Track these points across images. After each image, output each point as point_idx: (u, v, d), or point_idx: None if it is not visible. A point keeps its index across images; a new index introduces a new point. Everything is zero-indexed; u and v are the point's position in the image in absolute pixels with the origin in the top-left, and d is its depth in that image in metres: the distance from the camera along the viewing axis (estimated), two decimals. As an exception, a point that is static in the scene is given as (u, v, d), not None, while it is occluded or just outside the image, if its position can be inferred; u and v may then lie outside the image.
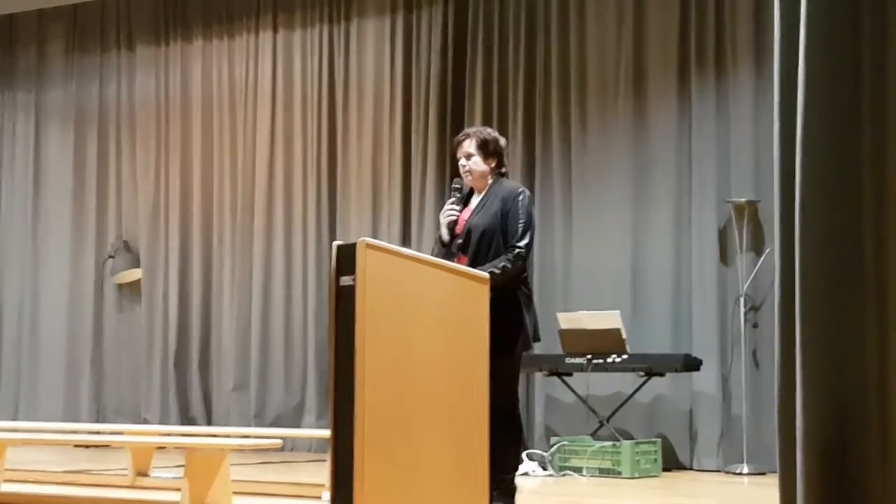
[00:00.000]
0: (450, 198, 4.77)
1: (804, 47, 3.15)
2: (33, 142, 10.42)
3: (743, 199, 7.38)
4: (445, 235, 4.67)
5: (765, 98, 7.30)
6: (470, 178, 4.75)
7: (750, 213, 7.42)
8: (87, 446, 8.67)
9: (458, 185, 4.77)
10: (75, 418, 9.64)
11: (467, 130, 4.82)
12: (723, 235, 7.59)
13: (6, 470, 5.49)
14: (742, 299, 7.35)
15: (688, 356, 7.32)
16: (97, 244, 9.99)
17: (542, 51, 8.25)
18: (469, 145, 4.71)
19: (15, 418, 9.88)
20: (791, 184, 3.17)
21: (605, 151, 8.00)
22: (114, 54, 10.12)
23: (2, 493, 5.27)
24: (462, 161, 4.74)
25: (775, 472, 3.18)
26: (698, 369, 7.33)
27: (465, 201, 4.78)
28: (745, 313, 7.35)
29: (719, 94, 7.68)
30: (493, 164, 4.73)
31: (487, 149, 4.71)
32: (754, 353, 7.40)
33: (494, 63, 8.41)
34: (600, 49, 8.07)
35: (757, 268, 7.37)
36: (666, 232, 7.75)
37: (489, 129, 4.85)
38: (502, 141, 4.80)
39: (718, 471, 7.27)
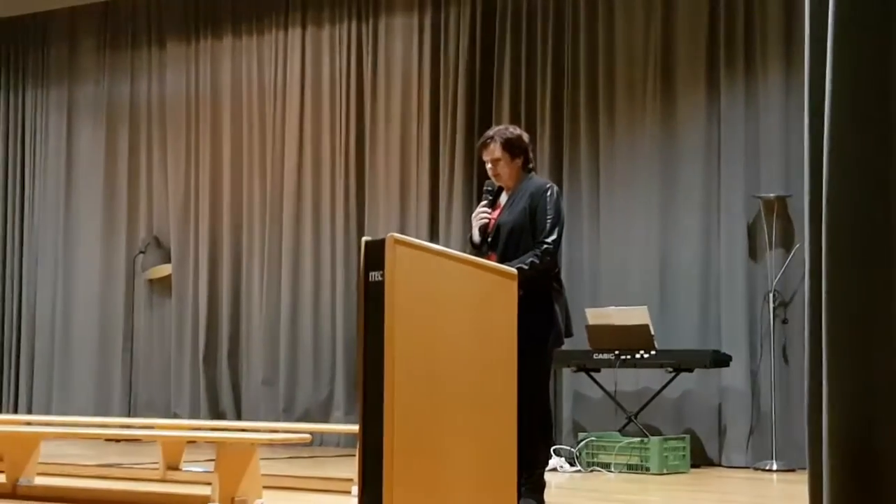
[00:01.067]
0: (482, 200, 4.76)
1: (833, 41, 3.14)
2: (65, 138, 10.52)
3: (772, 195, 7.35)
4: (477, 237, 4.67)
5: (795, 92, 7.26)
6: (499, 180, 4.74)
7: (779, 208, 7.38)
8: (118, 440, 8.74)
9: (489, 188, 4.76)
10: (106, 413, 9.73)
11: (489, 133, 4.77)
12: (752, 231, 7.56)
13: (40, 463, 5.56)
14: (771, 295, 7.32)
15: (716, 352, 7.30)
16: (128, 240, 10.07)
17: (570, 47, 8.24)
18: (495, 148, 4.69)
19: (48, 412, 9.99)
20: (820, 178, 3.16)
21: (633, 147, 7.99)
22: (145, 51, 10.20)
23: (36, 486, 5.34)
24: (489, 165, 4.73)
25: (805, 468, 3.17)
26: (727, 365, 7.31)
27: (495, 200, 4.78)
28: (775, 309, 7.33)
29: (748, 89, 7.65)
30: (520, 163, 4.73)
31: (513, 148, 4.70)
32: (784, 349, 7.38)
33: (522, 59, 8.40)
34: (628, 44, 8.06)
35: (786, 263, 7.33)
36: (694, 227, 7.73)
37: (511, 128, 4.82)
38: (526, 137, 4.78)
39: (747, 467, 7.25)
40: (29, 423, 7.27)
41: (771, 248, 7.39)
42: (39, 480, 5.46)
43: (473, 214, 4.75)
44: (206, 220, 9.69)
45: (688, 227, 7.75)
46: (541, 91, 8.31)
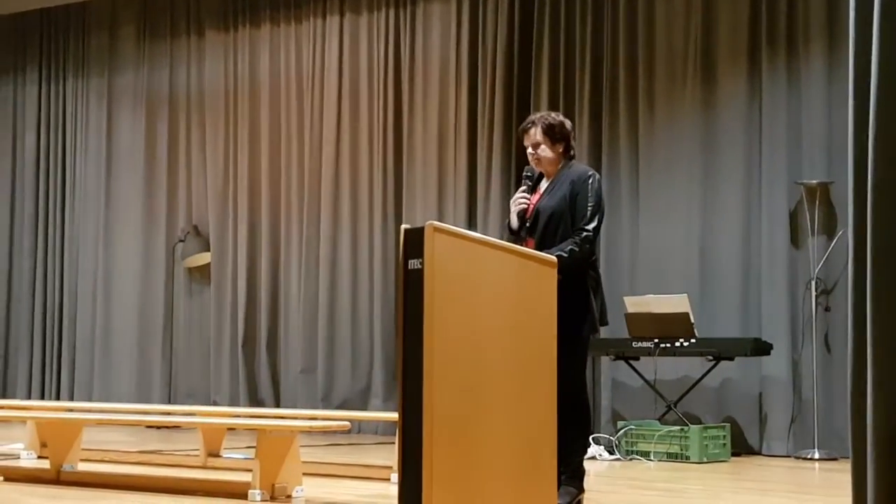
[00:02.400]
0: (521, 186, 4.73)
1: (879, 23, 3.09)
2: (105, 127, 10.60)
3: (814, 181, 7.27)
4: (515, 223, 4.65)
5: (838, 78, 7.17)
6: (539, 166, 4.72)
7: (822, 194, 7.30)
8: (159, 427, 8.82)
9: (528, 173, 4.73)
10: (147, 400, 9.81)
11: (531, 118, 4.75)
12: (794, 218, 7.48)
13: (83, 449, 5.62)
14: (813, 282, 7.24)
15: (757, 340, 7.24)
16: (167, 228, 10.14)
17: (609, 32, 8.18)
18: (535, 133, 4.67)
19: (90, 400, 10.09)
20: (865, 164, 3.12)
21: (673, 133, 7.92)
22: (183, 40, 10.25)
23: (79, 472, 5.40)
24: (530, 150, 4.71)
25: (847, 457, 3.14)
26: (768, 353, 7.25)
27: (534, 186, 4.76)
28: (817, 297, 7.25)
29: (790, 74, 7.56)
30: (561, 149, 4.70)
31: (554, 134, 4.67)
32: (826, 337, 7.30)
33: (561, 46, 8.35)
34: (669, 29, 7.99)
35: (829, 250, 7.25)
36: (735, 214, 7.66)
37: (553, 114, 4.80)
38: (568, 123, 4.75)
39: (788, 456, 7.19)
40: (71, 410, 7.35)
41: (813, 235, 7.31)
42: (82, 466, 5.52)
43: (512, 199, 4.73)
44: (244, 208, 9.74)
45: (728, 213, 7.68)
46: (579, 77, 8.25)
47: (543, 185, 4.73)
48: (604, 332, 5.10)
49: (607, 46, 8.18)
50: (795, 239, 7.49)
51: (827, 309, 7.29)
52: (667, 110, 7.97)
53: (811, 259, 7.30)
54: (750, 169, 7.65)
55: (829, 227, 7.34)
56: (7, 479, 4.48)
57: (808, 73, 7.50)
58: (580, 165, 4.81)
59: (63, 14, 10.90)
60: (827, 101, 7.36)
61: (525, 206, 4.64)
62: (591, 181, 4.59)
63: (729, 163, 7.71)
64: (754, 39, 7.70)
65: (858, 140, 3.21)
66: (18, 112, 11.14)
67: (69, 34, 10.89)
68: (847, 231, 3.34)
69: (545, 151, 4.67)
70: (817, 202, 7.29)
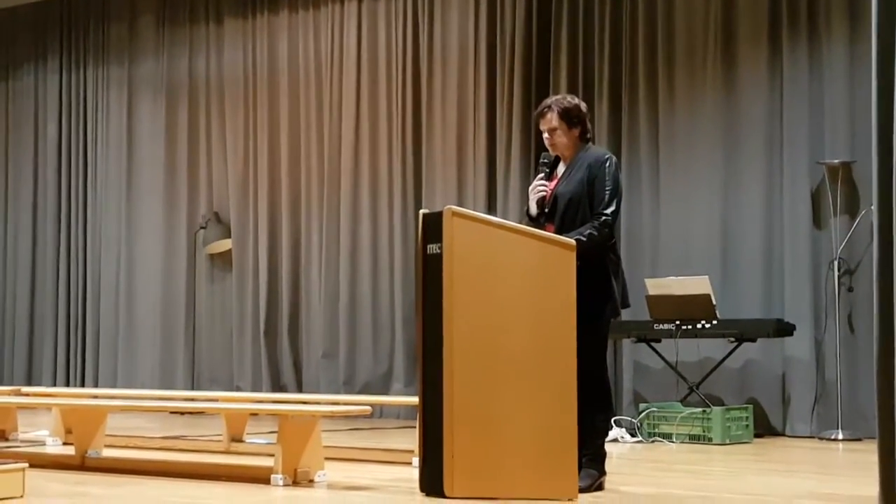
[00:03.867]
0: (538, 173, 4.71)
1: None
2: (126, 115, 10.64)
3: (836, 161, 7.21)
4: (534, 210, 4.63)
5: (860, 56, 7.11)
6: (556, 150, 4.69)
7: (844, 174, 7.25)
8: (182, 413, 8.87)
9: (546, 160, 4.70)
10: (170, 386, 9.87)
11: (547, 102, 4.72)
12: (816, 198, 7.43)
13: (107, 435, 5.66)
14: (836, 263, 7.20)
15: (780, 321, 7.21)
16: (189, 215, 10.18)
17: (629, 15, 8.12)
18: (552, 118, 4.64)
19: (114, 386, 10.16)
20: (889, 143, 3.09)
21: (693, 114, 7.88)
22: (203, 27, 10.27)
23: (104, 458, 5.44)
24: (546, 135, 4.68)
25: (871, 438, 3.12)
26: (791, 334, 7.22)
27: (551, 171, 4.73)
28: (840, 277, 7.21)
29: (812, 54, 7.49)
30: (577, 133, 4.67)
31: (570, 118, 4.65)
32: (849, 318, 7.26)
33: (580, 29, 8.30)
34: (689, 8, 7.93)
35: (852, 230, 7.21)
36: (757, 195, 7.61)
37: (569, 97, 4.76)
38: (584, 106, 4.72)
39: (812, 437, 7.16)
40: (95, 397, 7.40)
41: (835, 215, 7.26)
42: (107, 452, 5.56)
43: (531, 187, 4.69)
44: (264, 194, 9.76)
45: (750, 194, 7.64)
46: (598, 60, 8.21)
47: (560, 169, 4.71)
48: (625, 315, 5.07)
49: (626, 29, 8.13)
50: (817, 219, 7.45)
51: (850, 289, 7.24)
52: (687, 92, 7.92)
53: (833, 239, 7.25)
54: (771, 149, 7.60)
55: (852, 207, 7.29)
56: (32, 466, 4.52)
57: (829, 52, 7.43)
58: (597, 149, 4.78)
59: (83, 3, 10.93)
60: (849, 79, 7.29)
61: (544, 193, 4.62)
62: (607, 164, 4.57)
63: (750, 143, 7.66)
64: (775, 18, 7.63)
65: (882, 119, 3.18)
66: (40, 102, 11.19)
67: (89, 23, 10.92)
68: (870, 211, 3.31)
69: (561, 136, 4.64)
70: (839, 182, 7.24)
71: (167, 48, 10.44)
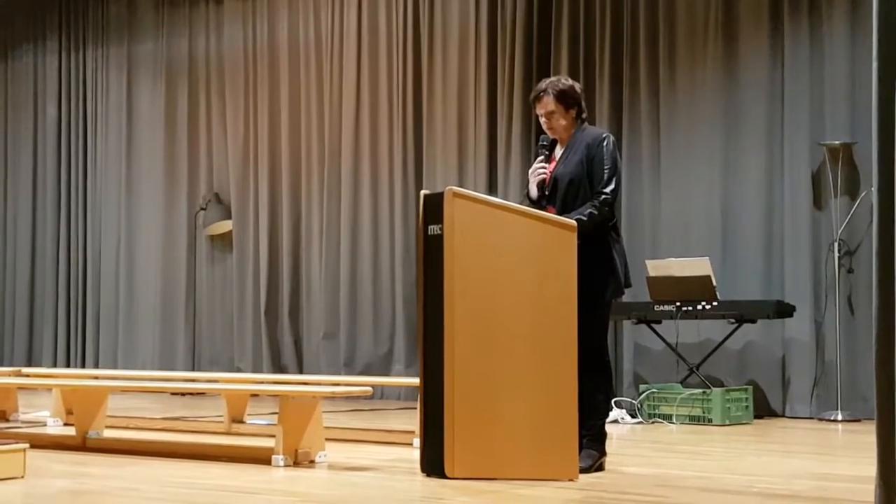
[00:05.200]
0: (537, 156, 4.70)
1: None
2: (126, 95, 10.62)
3: (837, 142, 7.20)
4: (534, 193, 4.62)
5: (861, 35, 7.09)
6: (554, 133, 4.68)
7: (845, 155, 7.24)
8: (183, 394, 8.89)
9: (544, 143, 4.69)
10: (171, 367, 9.89)
11: (541, 86, 4.69)
12: (816, 179, 7.43)
13: (108, 416, 5.66)
14: (836, 244, 7.20)
15: (780, 302, 7.22)
16: (189, 196, 10.17)
17: (630, -7, 8.10)
18: (548, 101, 4.62)
19: (114, 367, 10.17)
20: (890, 123, 3.08)
21: (694, 94, 7.86)
22: (202, 7, 10.23)
23: (105, 439, 5.45)
24: (543, 119, 4.67)
25: (870, 419, 3.13)
26: (791, 316, 7.22)
27: (550, 153, 4.72)
28: (840, 258, 7.21)
29: (812, 35, 7.47)
30: (574, 114, 4.66)
31: (567, 100, 4.63)
32: (849, 299, 7.26)
33: (581, 8, 8.28)
34: (689, -10, 7.90)
35: (852, 212, 7.20)
36: (757, 176, 7.61)
37: (563, 79, 4.74)
38: (578, 86, 4.70)
39: (811, 418, 7.18)
40: (96, 378, 7.42)
41: (836, 196, 7.25)
42: (108, 433, 5.57)
43: (530, 170, 4.68)
44: (265, 175, 9.75)
45: (750, 175, 7.63)
46: (599, 40, 8.19)
47: (559, 151, 4.70)
48: (625, 296, 5.06)
49: (627, 10, 8.10)
50: (818, 200, 7.44)
51: (850, 270, 7.24)
52: (688, 72, 7.90)
53: (834, 220, 7.25)
54: (772, 130, 7.59)
55: (852, 189, 7.28)
56: (33, 446, 4.52)
57: (830, 33, 7.41)
58: (594, 129, 4.77)
59: (82, -17, 10.91)
60: (850, 60, 7.27)
61: (544, 175, 4.61)
62: (605, 143, 4.56)
63: (750, 124, 7.65)
64: (776, -1, 7.61)
65: (883, 99, 3.17)
66: (39, 82, 11.17)
67: (88, 4, 10.89)
68: (870, 192, 3.31)
69: (559, 119, 4.63)
70: (840, 163, 7.23)
71: (167, 28, 10.41)
